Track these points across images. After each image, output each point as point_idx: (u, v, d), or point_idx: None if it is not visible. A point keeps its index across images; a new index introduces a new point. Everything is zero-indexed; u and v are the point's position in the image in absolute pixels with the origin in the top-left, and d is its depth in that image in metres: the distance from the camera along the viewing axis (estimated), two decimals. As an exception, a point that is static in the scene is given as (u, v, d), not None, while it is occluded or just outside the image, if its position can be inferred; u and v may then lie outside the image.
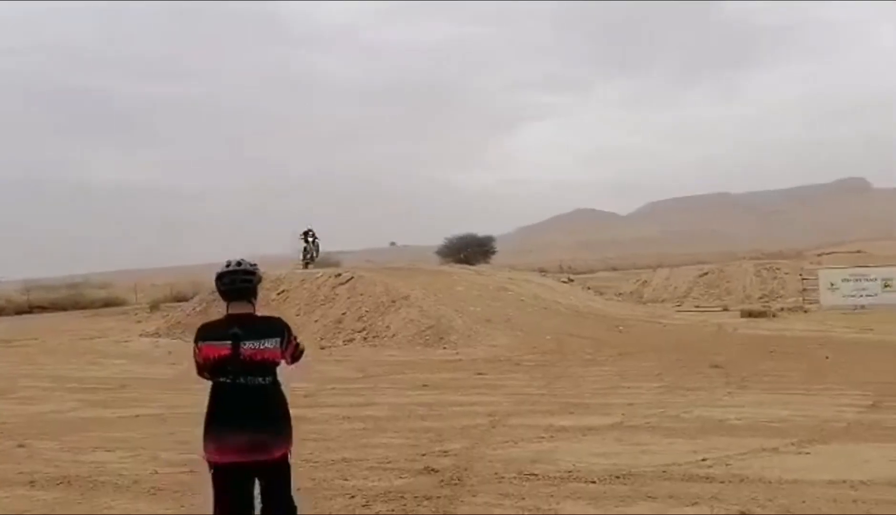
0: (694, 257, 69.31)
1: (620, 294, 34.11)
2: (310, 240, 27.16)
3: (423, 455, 7.33)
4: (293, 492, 3.95)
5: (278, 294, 21.05)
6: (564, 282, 32.60)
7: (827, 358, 13.52)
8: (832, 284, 25.18)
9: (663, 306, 29.71)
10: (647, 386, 11.13)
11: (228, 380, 3.74)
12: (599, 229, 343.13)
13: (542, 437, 7.93)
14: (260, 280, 4.05)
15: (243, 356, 3.72)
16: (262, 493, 3.82)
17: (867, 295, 24.19)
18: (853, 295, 24.42)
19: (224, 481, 3.76)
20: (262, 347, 3.76)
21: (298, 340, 4.04)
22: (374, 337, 18.29)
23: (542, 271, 45.00)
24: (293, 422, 3.95)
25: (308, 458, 7.32)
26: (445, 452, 7.41)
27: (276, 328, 3.89)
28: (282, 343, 3.86)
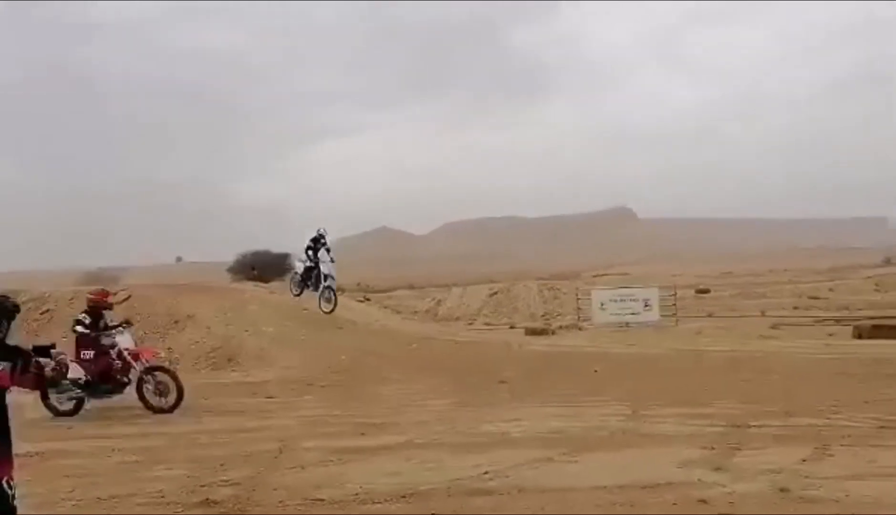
0: (486, 277, 73.12)
1: (416, 312, 34.99)
2: (321, 251, 17.59)
3: (203, 486, 6.88)
4: None
5: (41, 314, 18.80)
6: (361, 301, 32.70)
7: (596, 371, 14.82)
8: (602, 304, 27.84)
9: (456, 324, 30.96)
10: (438, 403, 11.43)
11: None
12: (397, 247, 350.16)
13: (331, 460, 7.80)
14: (6, 314, 4.15)
15: None
16: None
17: (631, 314, 27.05)
18: (620, 314, 27.18)
19: None
20: None
21: (51, 368, 4.00)
22: (155, 360, 16.94)
23: (339, 289, 44.80)
24: (14, 448, 4.00)
25: (68, 497, 6.60)
26: (227, 481, 7.02)
27: (11, 356, 4.01)
28: (13, 369, 3.98)
